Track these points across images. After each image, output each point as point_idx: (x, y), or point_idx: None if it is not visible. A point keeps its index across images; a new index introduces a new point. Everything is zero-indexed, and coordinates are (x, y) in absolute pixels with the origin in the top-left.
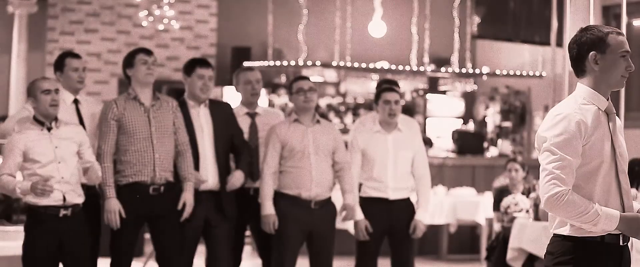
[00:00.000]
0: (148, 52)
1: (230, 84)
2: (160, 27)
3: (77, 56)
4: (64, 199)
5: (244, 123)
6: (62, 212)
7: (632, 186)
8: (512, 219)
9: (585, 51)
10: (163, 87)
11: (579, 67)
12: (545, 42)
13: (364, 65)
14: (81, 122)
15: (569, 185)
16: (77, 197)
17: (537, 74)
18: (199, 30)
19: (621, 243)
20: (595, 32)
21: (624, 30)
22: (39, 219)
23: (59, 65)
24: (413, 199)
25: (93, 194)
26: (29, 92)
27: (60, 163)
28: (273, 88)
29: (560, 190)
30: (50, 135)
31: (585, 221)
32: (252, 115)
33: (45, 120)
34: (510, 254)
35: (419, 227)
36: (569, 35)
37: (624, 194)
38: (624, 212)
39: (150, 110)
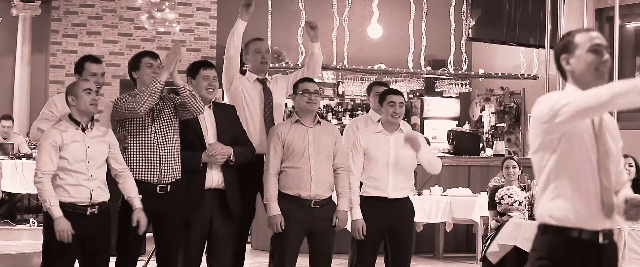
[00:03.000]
0: (154, 56)
1: None
2: (161, 29)
3: (97, 61)
4: (91, 196)
5: (255, 89)
6: (90, 210)
7: None
8: (505, 213)
9: (558, 56)
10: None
11: (561, 73)
12: (540, 45)
13: (361, 67)
14: None
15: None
16: (103, 195)
17: (532, 75)
18: (200, 32)
19: (601, 241)
20: (566, 37)
21: (616, 32)
22: (66, 217)
23: (79, 68)
24: (412, 199)
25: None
26: (69, 91)
27: (90, 162)
28: None
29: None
30: (84, 135)
31: (602, 92)
32: (263, 81)
33: (81, 119)
34: (492, 248)
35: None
36: None
37: (604, 191)
38: (603, 209)
39: (154, 108)
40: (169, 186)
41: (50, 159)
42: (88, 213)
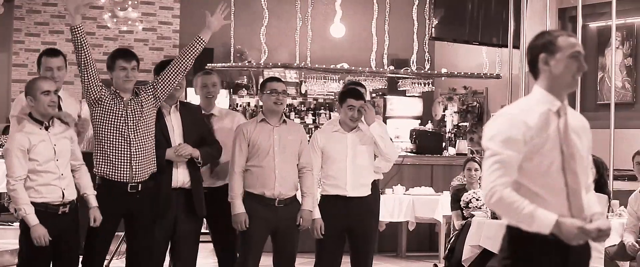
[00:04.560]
0: (128, 58)
1: (192, 85)
2: (124, 28)
3: (54, 54)
4: (63, 195)
5: None
6: (61, 209)
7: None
8: (472, 215)
9: (536, 54)
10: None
11: (533, 70)
12: (503, 44)
13: (324, 66)
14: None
15: (505, 180)
16: (73, 193)
17: (495, 74)
18: (162, 31)
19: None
20: (546, 36)
21: (579, 32)
22: (39, 217)
23: (37, 64)
24: (373, 197)
25: None
26: (28, 91)
27: (58, 160)
28: (235, 88)
29: (494, 186)
30: (49, 133)
31: (519, 220)
32: (208, 117)
33: (42, 119)
34: (465, 255)
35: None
36: (525, 37)
37: (572, 193)
38: (571, 211)
39: (127, 104)
40: (139, 185)
41: (20, 164)
42: (60, 212)
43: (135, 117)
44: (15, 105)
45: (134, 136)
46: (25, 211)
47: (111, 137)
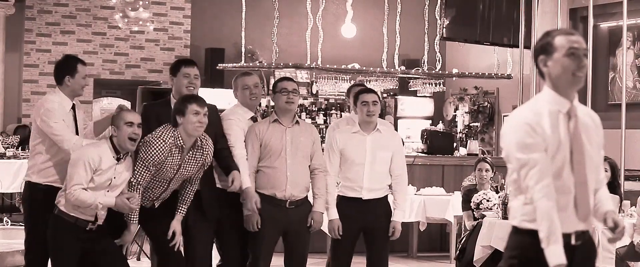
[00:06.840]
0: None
1: (204, 85)
2: (135, 28)
3: (84, 63)
4: (96, 218)
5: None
6: (90, 226)
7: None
8: (483, 216)
9: (537, 57)
10: (138, 88)
11: (539, 72)
12: (514, 44)
13: (335, 66)
14: (76, 126)
15: (540, 186)
16: (103, 216)
17: (506, 75)
18: (173, 31)
19: (573, 242)
20: (544, 37)
21: (590, 32)
22: (66, 226)
23: (71, 70)
24: (389, 198)
25: None
26: (113, 120)
27: (108, 191)
28: None
29: (532, 195)
30: (116, 165)
31: (541, 231)
32: (255, 120)
33: (120, 149)
34: (476, 256)
35: (397, 228)
36: (536, 37)
37: (579, 196)
38: (578, 215)
39: (186, 153)
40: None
41: (86, 174)
42: (87, 228)
43: (186, 168)
44: (49, 112)
45: (176, 183)
46: (96, 200)
47: (156, 185)
